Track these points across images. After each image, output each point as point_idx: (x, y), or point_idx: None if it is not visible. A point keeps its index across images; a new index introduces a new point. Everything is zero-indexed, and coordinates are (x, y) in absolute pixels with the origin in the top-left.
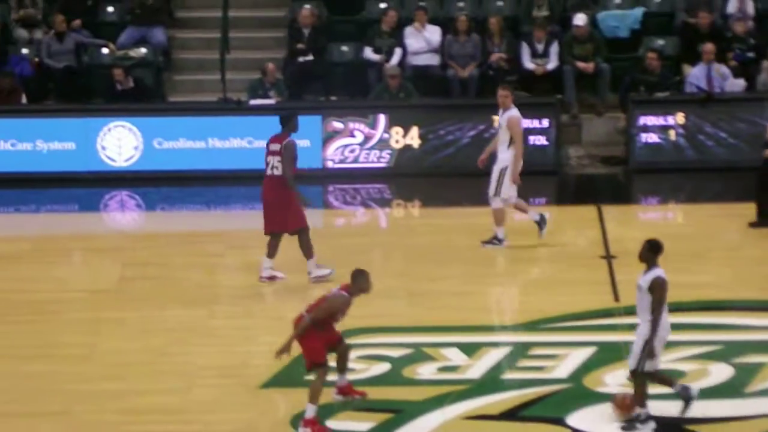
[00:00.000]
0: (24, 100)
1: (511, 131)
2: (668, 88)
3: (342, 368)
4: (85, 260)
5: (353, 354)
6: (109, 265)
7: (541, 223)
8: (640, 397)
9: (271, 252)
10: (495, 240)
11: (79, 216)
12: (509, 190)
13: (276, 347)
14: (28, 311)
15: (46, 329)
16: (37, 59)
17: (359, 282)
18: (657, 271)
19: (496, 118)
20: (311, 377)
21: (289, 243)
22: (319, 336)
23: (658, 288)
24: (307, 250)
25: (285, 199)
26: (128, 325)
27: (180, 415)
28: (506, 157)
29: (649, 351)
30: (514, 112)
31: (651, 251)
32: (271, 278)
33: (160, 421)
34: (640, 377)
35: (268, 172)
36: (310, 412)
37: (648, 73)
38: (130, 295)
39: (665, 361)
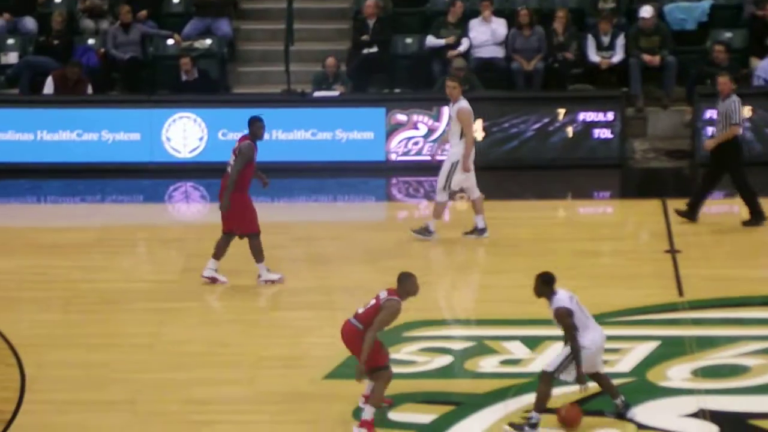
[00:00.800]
0: (90, 90)
1: (462, 123)
2: (736, 82)
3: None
4: (149, 251)
5: (415, 347)
6: (173, 256)
7: (481, 231)
8: (541, 400)
9: (218, 252)
10: (426, 231)
11: (143, 207)
12: (465, 181)
13: (339, 339)
14: (94, 300)
15: (112, 319)
16: (103, 50)
17: (406, 285)
18: (556, 301)
19: (561, 110)
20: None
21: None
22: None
23: (561, 318)
24: (257, 254)
25: (240, 201)
26: (192, 316)
27: (244, 406)
28: (458, 150)
29: (567, 367)
30: (463, 103)
31: (544, 285)
32: (213, 280)
33: (224, 411)
34: (546, 379)
35: (228, 170)
36: (368, 414)
37: (715, 66)
38: (193, 285)
39: (729, 356)
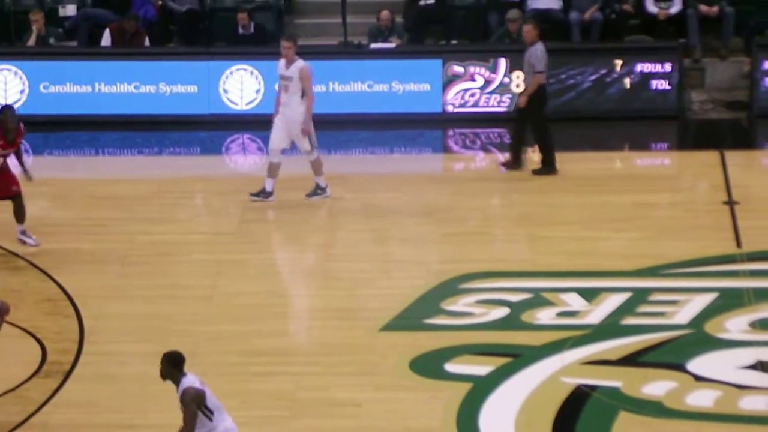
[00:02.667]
0: (147, 43)
1: (303, 82)
2: None
3: None
4: (206, 203)
5: (472, 298)
6: (230, 208)
7: (262, 194)
8: None
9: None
10: (318, 190)
11: (201, 159)
12: (282, 143)
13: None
14: (151, 252)
15: (169, 271)
16: (160, 2)
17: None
18: (184, 382)
19: (618, 62)
20: None
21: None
22: None
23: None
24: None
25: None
26: (249, 268)
27: (301, 357)
28: (302, 110)
29: None
30: (301, 63)
31: (170, 365)
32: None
33: (281, 362)
34: None
35: None
36: None
37: None
38: (250, 237)
39: None
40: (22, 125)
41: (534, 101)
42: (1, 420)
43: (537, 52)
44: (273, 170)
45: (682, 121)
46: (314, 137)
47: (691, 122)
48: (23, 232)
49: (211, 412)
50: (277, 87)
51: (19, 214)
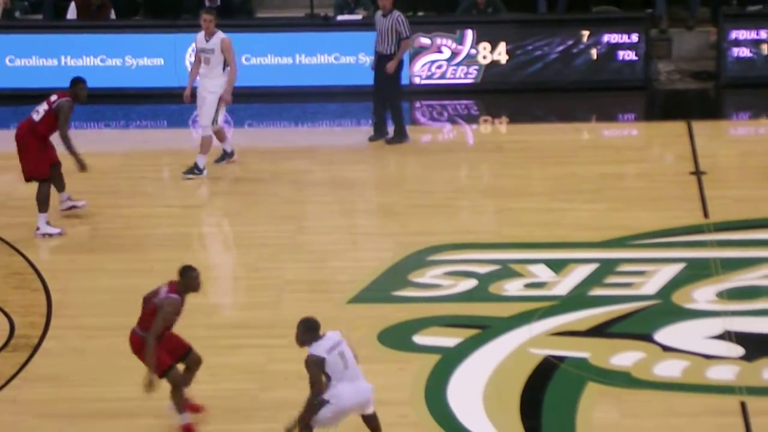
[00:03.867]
0: (113, 15)
1: (226, 54)
2: (761, 2)
3: (187, 381)
4: (174, 176)
5: (440, 270)
6: (198, 181)
7: (227, 156)
8: None
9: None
10: (196, 170)
11: (168, 132)
12: (222, 115)
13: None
14: (119, 226)
15: (138, 244)
16: None
17: (187, 280)
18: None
19: (585, 32)
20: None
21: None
22: (160, 346)
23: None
24: (40, 203)
25: (33, 146)
26: (217, 241)
27: (269, 330)
28: (221, 82)
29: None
30: (222, 35)
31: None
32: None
33: (250, 335)
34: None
35: (32, 114)
36: (179, 419)
37: None
38: (220, 210)
39: (754, 278)
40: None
41: (397, 68)
42: None
43: (399, 18)
44: (206, 145)
45: (650, 92)
46: (221, 114)
47: (659, 93)
48: (69, 198)
49: (328, 378)
50: (191, 60)
51: (61, 184)
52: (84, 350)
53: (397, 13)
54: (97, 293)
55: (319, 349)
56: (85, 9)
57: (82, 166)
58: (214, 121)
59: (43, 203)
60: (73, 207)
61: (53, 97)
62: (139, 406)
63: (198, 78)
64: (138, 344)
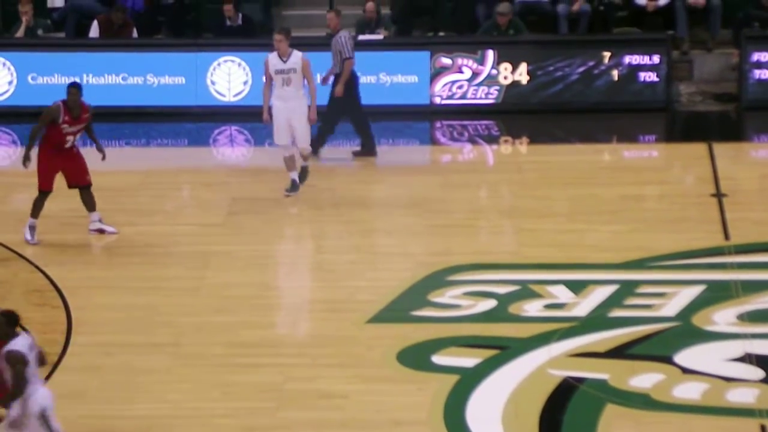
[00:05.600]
0: (135, 34)
1: (306, 74)
2: None
3: None
4: (194, 194)
5: (459, 290)
6: (217, 199)
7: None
8: None
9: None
10: (293, 188)
11: (188, 150)
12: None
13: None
14: (138, 244)
15: (156, 262)
16: None
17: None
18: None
19: (606, 54)
20: None
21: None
22: None
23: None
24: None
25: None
26: (236, 259)
27: (287, 349)
28: (305, 103)
29: None
30: (299, 53)
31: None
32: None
33: (267, 354)
34: None
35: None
36: None
37: (762, 8)
38: (238, 229)
39: None
40: (86, 103)
41: (347, 87)
42: None
43: (342, 39)
44: (290, 162)
45: (670, 113)
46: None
47: (680, 114)
48: (100, 220)
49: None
50: (267, 82)
51: (90, 203)
52: (102, 367)
53: (342, 33)
54: (116, 311)
55: (17, 345)
56: (107, 27)
57: (24, 160)
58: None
59: (35, 210)
60: (101, 230)
61: None
62: (155, 425)
63: (276, 99)
64: None
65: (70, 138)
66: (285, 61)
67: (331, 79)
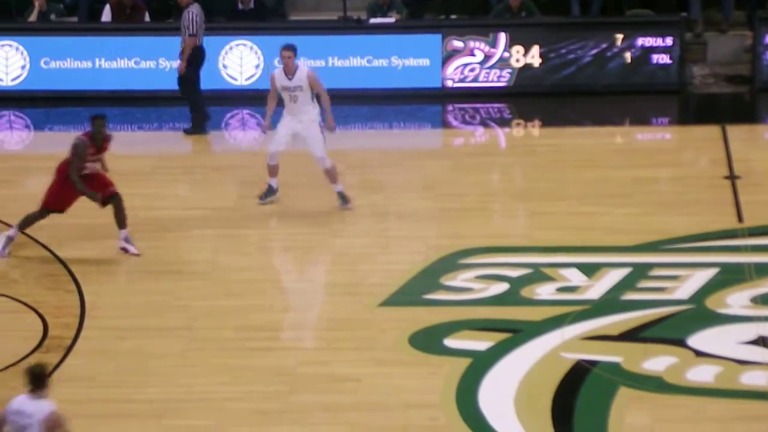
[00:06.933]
0: (147, 18)
1: (316, 87)
2: None
3: None
4: (206, 178)
5: (471, 274)
6: (230, 183)
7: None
8: None
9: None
10: (342, 199)
11: (200, 134)
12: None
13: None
14: (151, 228)
15: (169, 246)
16: None
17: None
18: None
19: (619, 36)
20: None
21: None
22: None
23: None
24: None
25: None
26: (249, 243)
27: (299, 332)
28: (317, 112)
29: None
30: (305, 68)
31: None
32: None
33: (280, 337)
34: None
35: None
36: None
37: None
38: (250, 213)
39: None
40: (110, 134)
41: (191, 63)
42: (3, 395)
43: (190, 14)
44: (272, 170)
45: (684, 96)
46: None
47: (693, 96)
48: (126, 239)
49: None
50: (272, 95)
51: (120, 218)
52: (115, 351)
53: (191, 8)
54: (128, 295)
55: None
56: (119, 11)
57: (97, 200)
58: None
59: (24, 223)
60: (125, 250)
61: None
62: (167, 408)
63: (286, 113)
64: None
65: (89, 165)
66: (291, 78)
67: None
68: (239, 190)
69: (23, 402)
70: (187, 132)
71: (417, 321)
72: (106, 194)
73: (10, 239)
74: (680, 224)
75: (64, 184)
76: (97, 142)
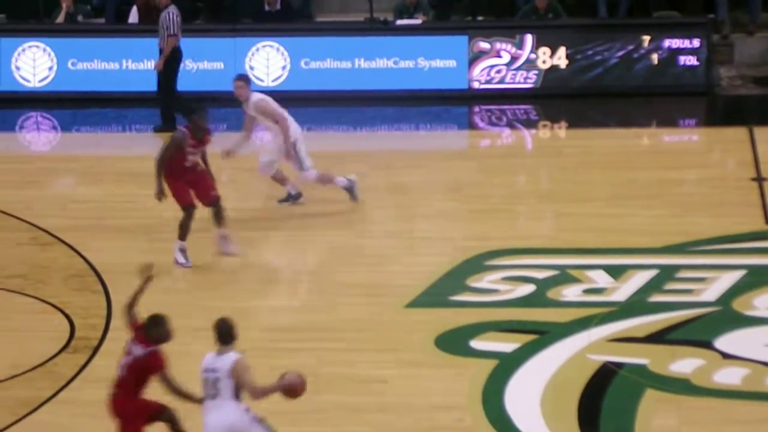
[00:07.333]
0: None
1: (270, 115)
2: None
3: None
4: (233, 179)
5: (498, 275)
6: (256, 184)
7: (292, 198)
8: None
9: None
10: (352, 195)
11: (227, 135)
12: (306, 158)
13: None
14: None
15: (196, 246)
16: None
17: (157, 331)
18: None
19: (646, 37)
20: None
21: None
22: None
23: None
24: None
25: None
26: (275, 243)
27: (326, 333)
28: (281, 138)
29: None
30: (255, 97)
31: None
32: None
33: (306, 338)
34: None
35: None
36: None
37: None
38: (277, 213)
39: None
40: (209, 126)
41: (168, 63)
42: (30, 395)
43: (170, 15)
44: (280, 179)
45: (711, 97)
46: (307, 159)
47: (720, 98)
48: (224, 237)
49: None
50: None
51: (219, 219)
52: None
53: (170, 9)
54: (155, 295)
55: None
56: (146, 13)
57: (158, 194)
58: (304, 166)
59: (182, 233)
60: (226, 252)
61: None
62: (195, 409)
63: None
64: (120, 405)
65: (191, 158)
66: (247, 108)
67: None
68: (267, 190)
69: (212, 359)
70: (156, 129)
71: (443, 322)
72: (210, 199)
73: (183, 250)
74: (707, 226)
75: (175, 180)
76: (198, 135)
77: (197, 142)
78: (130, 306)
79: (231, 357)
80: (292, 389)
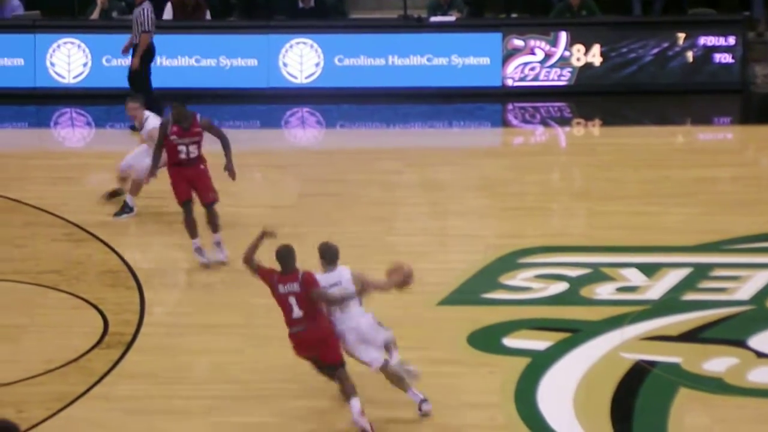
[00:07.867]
0: (208, 16)
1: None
2: None
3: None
4: (265, 176)
5: (531, 273)
6: (288, 181)
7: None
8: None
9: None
10: (126, 208)
11: (260, 132)
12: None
13: (452, 265)
14: None
15: (228, 243)
16: None
17: (292, 261)
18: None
19: (680, 35)
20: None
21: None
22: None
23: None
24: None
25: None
26: (307, 241)
27: None
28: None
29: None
30: (150, 124)
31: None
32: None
33: None
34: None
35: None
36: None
37: None
38: (309, 211)
39: None
40: (197, 114)
41: (141, 59)
42: (63, 390)
43: (144, 11)
44: (134, 184)
45: (746, 95)
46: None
47: (755, 96)
48: (218, 243)
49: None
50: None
51: (212, 224)
52: (174, 348)
53: (145, 5)
54: (188, 291)
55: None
56: (180, 10)
57: (148, 175)
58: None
59: (192, 232)
60: (216, 257)
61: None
62: (227, 405)
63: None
64: (313, 339)
65: (182, 148)
66: (140, 130)
67: (131, 51)
68: (299, 188)
69: (326, 277)
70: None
71: (475, 320)
72: (207, 200)
73: (199, 249)
74: (741, 224)
75: (175, 174)
76: (181, 122)
77: (181, 130)
78: (248, 259)
79: (344, 269)
80: (406, 279)
